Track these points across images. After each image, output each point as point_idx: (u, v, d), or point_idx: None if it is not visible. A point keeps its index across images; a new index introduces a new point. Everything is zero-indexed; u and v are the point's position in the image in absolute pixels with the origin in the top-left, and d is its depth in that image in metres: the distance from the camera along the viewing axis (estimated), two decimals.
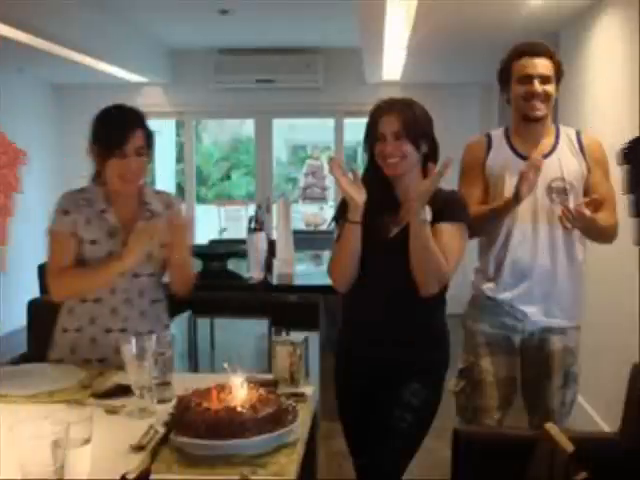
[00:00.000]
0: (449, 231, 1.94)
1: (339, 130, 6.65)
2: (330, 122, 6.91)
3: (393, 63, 5.26)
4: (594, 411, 3.58)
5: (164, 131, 9.23)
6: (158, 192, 2.18)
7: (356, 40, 5.94)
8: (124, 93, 6.49)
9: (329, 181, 10.88)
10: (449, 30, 4.11)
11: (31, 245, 5.69)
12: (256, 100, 6.56)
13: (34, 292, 3.76)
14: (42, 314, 2.61)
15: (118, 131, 1.94)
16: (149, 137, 2.01)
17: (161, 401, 1.72)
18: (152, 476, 1.33)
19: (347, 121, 6.74)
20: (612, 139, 3.01)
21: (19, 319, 3.76)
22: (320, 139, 12.63)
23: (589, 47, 3.78)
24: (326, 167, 10.65)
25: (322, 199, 11.13)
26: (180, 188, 12.34)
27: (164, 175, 9.70)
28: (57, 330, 2.12)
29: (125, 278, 2.04)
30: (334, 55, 6.37)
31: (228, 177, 14.76)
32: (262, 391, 1.56)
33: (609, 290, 3.44)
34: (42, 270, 3.91)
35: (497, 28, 3.98)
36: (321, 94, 6.48)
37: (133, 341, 1.67)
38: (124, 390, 1.79)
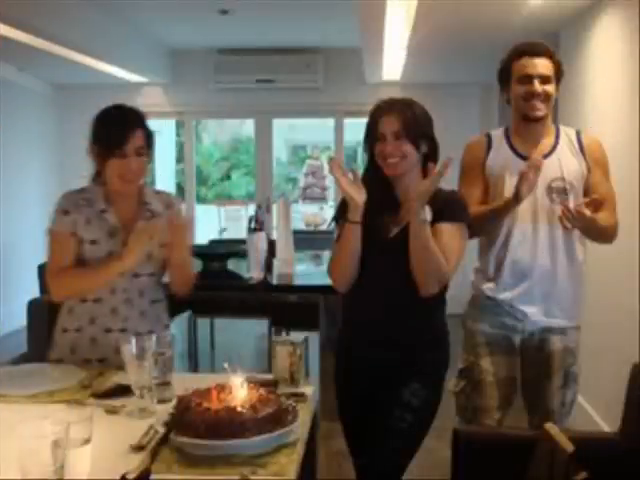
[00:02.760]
0: (449, 231, 1.94)
1: (339, 130, 6.64)
2: (330, 122, 6.91)
3: (393, 63, 5.25)
4: (594, 411, 3.59)
5: (164, 131, 9.23)
6: (158, 192, 2.18)
7: (356, 40, 5.93)
8: (124, 93, 6.48)
9: (329, 181, 10.88)
10: (449, 30, 4.11)
11: (30, 245, 5.71)
12: (256, 100, 6.55)
13: (34, 292, 3.76)
14: (42, 314, 2.62)
15: (118, 131, 1.94)
16: (149, 137, 2.01)
17: (161, 401, 1.72)
18: (152, 476, 1.33)
19: (347, 121, 6.73)
20: (612, 139, 3.02)
21: (19, 319, 3.76)
22: (320, 139, 12.64)
23: (589, 47, 3.78)
24: (326, 167, 10.66)
25: (322, 199, 11.13)
26: (180, 188, 12.31)
27: (164, 175, 9.71)
28: (57, 330, 2.12)
29: (125, 278, 2.04)
30: (334, 55, 6.37)
31: (228, 177, 14.78)
32: (262, 391, 1.56)
33: (609, 290, 3.45)
34: (42, 270, 3.91)
35: (497, 28, 3.98)
36: (321, 94, 6.47)
37: (133, 341, 1.67)
38: (124, 390, 1.80)
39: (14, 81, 5.91)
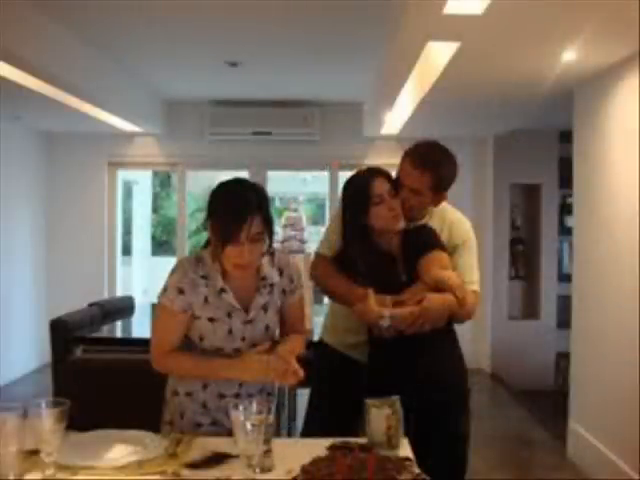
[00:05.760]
0: (445, 257, 2.14)
1: (334, 183, 6.62)
2: (301, 174, 6.83)
3: (397, 118, 5.28)
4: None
5: (140, 181, 9.06)
6: (272, 254, 1.99)
7: (353, 94, 6.00)
8: (116, 142, 6.37)
9: (307, 233, 10.84)
10: (469, 87, 4.15)
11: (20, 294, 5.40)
12: (252, 152, 6.47)
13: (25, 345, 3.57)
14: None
15: (235, 223, 1.79)
16: (268, 220, 1.86)
17: (263, 470, 1.61)
18: None
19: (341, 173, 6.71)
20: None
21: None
22: (289, 190, 12.66)
23: (605, 109, 3.84)
24: (304, 219, 10.72)
25: (300, 251, 11.04)
26: (154, 239, 12.09)
27: (140, 225, 9.51)
28: (167, 391, 2.03)
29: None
30: (331, 108, 6.39)
31: (205, 228, 14.52)
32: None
33: (610, 292, 3.48)
34: (54, 326, 3.72)
35: (515, 86, 4.06)
36: (318, 147, 6.46)
37: (241, 407, 1.57)
38: (219, 459, 1.69)
39: (4, 128, 5.68)
